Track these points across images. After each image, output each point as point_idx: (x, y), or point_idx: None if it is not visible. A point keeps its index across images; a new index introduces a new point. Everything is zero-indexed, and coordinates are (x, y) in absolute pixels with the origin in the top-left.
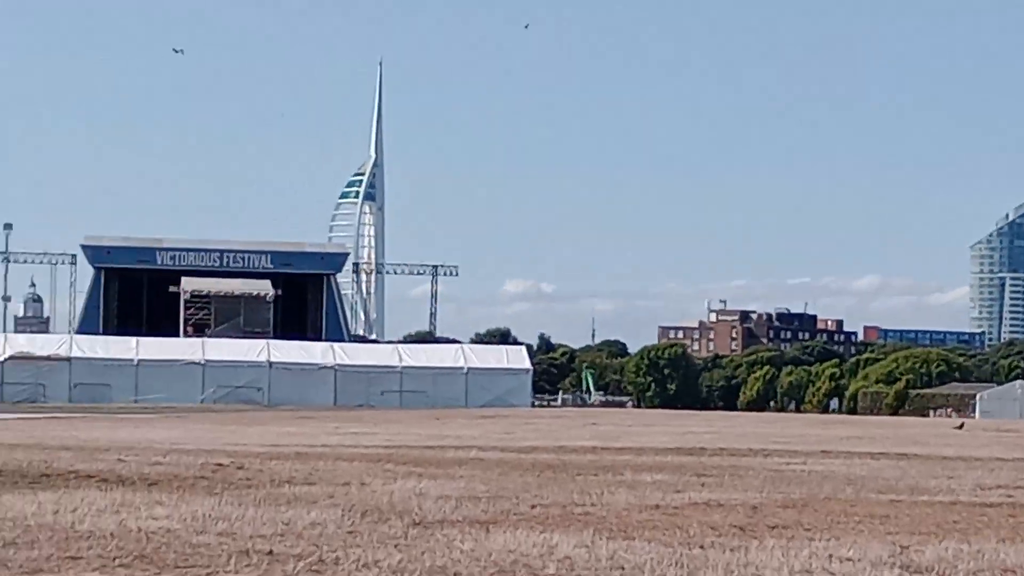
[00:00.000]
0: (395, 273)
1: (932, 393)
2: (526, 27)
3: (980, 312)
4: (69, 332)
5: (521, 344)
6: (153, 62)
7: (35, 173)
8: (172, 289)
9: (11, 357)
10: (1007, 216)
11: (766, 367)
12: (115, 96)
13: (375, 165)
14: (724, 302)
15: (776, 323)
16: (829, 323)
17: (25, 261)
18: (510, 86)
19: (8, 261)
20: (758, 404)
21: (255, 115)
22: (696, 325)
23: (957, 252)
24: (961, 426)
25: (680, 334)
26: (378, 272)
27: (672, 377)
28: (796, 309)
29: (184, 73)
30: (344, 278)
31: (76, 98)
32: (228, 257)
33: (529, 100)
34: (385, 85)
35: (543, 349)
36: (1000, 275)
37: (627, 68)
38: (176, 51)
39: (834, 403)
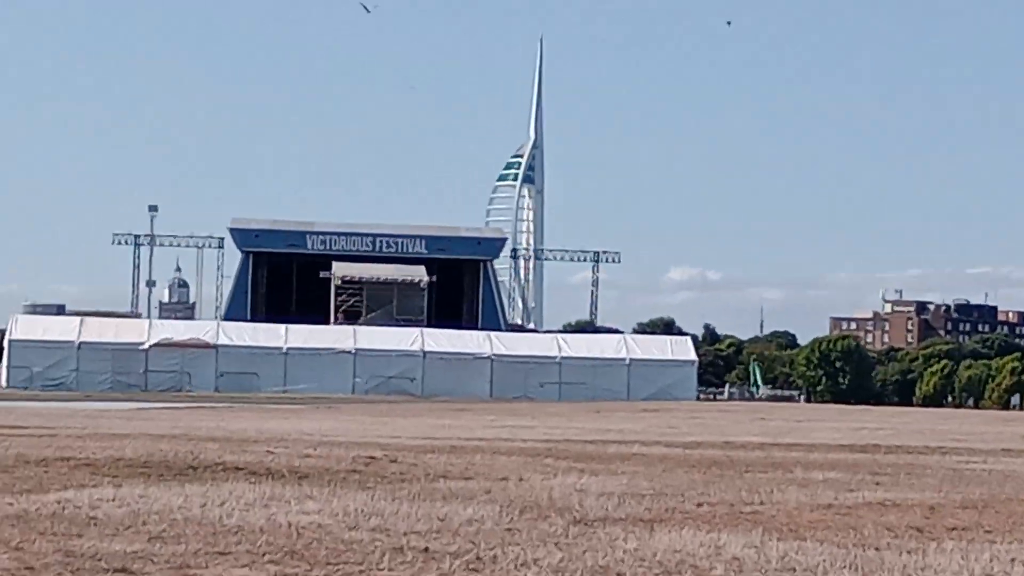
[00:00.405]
0: (555, 259)
1: None
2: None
3: None
4: (216, 319)
5: (686, 335)
6: (301, 39)
7: (182, 153)
8: (322, 274)
9: (156, 344)
10: None
11: (943, 361)
12: (263, 76)
13: (534, 147)
14: (900, 292)
15: (954, 314)
16: (1010, 315)
17: (171, 244)
18: (674, 66)
19: (153, 244)
20: (935, 399)
21: (409, 94)
22: (870, 316)
23: None
24: None
25: (853, 325)
26: (537, 258)
27: (844, 371)
28: (976, 300)
29: (336, 50)
30: (501, 264)
31: (222, 79)
32: (381, 242)
33: (693, 81)
34: (546, 64)
35: (708, 340)
36: None
37: (803, 52)
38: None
39: (1015, 399)
